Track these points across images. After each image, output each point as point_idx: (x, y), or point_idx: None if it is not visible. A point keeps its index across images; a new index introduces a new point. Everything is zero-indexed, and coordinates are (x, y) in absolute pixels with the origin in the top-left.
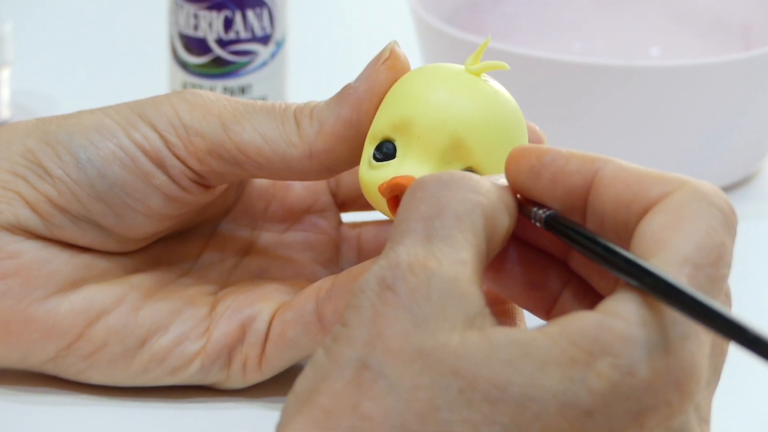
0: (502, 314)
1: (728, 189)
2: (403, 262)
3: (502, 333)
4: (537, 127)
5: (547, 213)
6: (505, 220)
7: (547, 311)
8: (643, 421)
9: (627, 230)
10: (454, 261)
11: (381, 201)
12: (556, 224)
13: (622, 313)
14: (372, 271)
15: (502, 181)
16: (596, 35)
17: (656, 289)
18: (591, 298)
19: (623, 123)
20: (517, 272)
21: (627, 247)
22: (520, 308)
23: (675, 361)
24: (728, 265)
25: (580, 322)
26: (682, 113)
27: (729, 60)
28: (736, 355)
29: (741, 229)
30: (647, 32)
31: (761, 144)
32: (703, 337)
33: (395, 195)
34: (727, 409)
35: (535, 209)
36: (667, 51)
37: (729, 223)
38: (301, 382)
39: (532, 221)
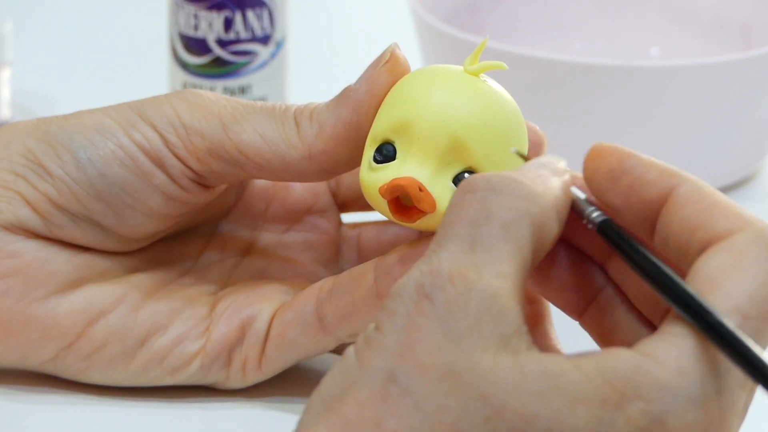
0: (532, 316)
1: (728, 189)
2: (444, 271)
3: (536, 361)
4: (537, 127)
5: (602, 218)
6: (554, 228)
7: (580, 313)
8: None
9: (687, 256)
10: (496, 274)
11: (382, 203)
12: (611, 232)
13: (662, 357)
14: (412, 275)
15: (561, 166)
16: (596, 35)
17: (711, 332)
18: (626, 305)
19: (623, 123)
20: (556, 273)
21: (682, 273)
22: (549, 312)
23: (706, 415)
24: None
25: (616, 360)
26: (682, 113)
27: (729, 60)
28: None
29: None
30: (647, 32)
31: (761, 144)
32: (737, 392)
33: (396, 196)
34: None
35: (590, 209)
36: (667, 51)
37: None
38: (328, 384)
39: (584, 221)
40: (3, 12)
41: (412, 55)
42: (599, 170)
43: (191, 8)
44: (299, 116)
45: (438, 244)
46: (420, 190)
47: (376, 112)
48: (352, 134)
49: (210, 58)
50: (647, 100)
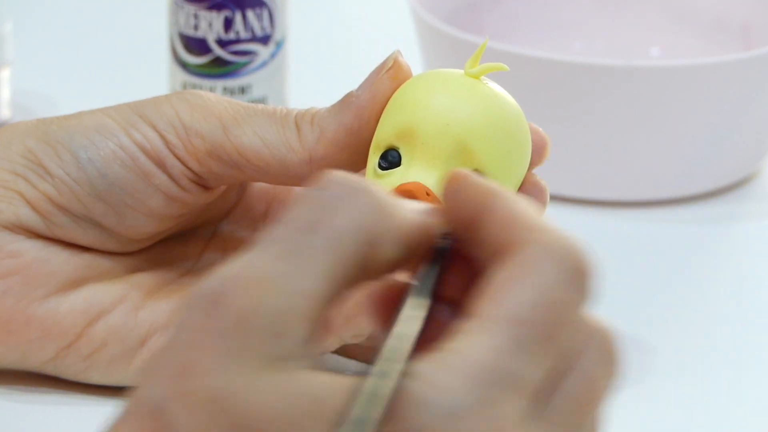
0: None
1: (728, 189)
2: (244, 277)
3: (301, 383)
4: (540, 129)
5: (437, 246)
6: (391, 252)
7: None
8: None
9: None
10: (295, 291)
11: None
12: (428, 264)
13: (427, 374)
14: (210, 277)
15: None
16: (596, 35)
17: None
18: None
19: (623, 123)
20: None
21: None
22: None
23: (471, 427)
24: (564, 324)
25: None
26: (682, 113)
27: (729, 60)
28: (739, 353)
29: (741, 229)
30: (647, 32)
31: (761, 144)
32: (509, 398)
33: None
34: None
35: (441, 240)
36: (667, 51)
37: (577, 279)
38: (121, 408)
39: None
40: (3, 12)
41: (413, 55)
42: (443, 196)
43: (191, 8)
44: (300, 120)
45: (258, 242)
46: (427, 195)
47: (378, 119)
48: (353, 140)
49: (210, 58)
50: (647, 100)
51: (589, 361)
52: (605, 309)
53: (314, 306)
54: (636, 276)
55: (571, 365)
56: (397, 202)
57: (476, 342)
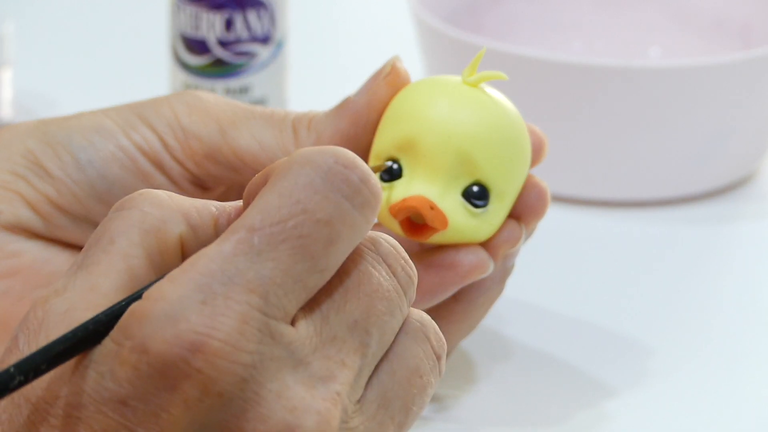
0: None
1: (728, 189)
2: (38, 300)
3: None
4: (537, 128)
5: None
6: (176, 229)
7: None
8: (183, 394)
9: None
10: (83, 288)
11: (392, 221)
12: None
13: (147, 294)
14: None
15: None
16: (596, 35)
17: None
18: None
19: (623, 123)
20: None
21: None
22: None
23: (192, 323)
24: (322, 222)
25: (126, 313)
26: (681, 113)
27: (729, 60)
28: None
29: (741, 229)
30: (647, 32)
31: (761, 144)
32: (237, 296)
33: (407, 216)
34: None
35: None
36: (667, 51)
37: (330, 177)
38: None
39: None
40: (4, 12)
41: (412, 55)
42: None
43: (192, 9)
44: (297, 124)
45: (66, 273)
46: (431, 208)
47: (375, 125)
48: (349, 146)
49: (211, 59)
50: (647, 100)
51: (403, 346)
52: (605, 308)
53: (110, 293)
54: (635, 276)
55: (387, 349)
56: (170, 196)
57: (204, 252)
